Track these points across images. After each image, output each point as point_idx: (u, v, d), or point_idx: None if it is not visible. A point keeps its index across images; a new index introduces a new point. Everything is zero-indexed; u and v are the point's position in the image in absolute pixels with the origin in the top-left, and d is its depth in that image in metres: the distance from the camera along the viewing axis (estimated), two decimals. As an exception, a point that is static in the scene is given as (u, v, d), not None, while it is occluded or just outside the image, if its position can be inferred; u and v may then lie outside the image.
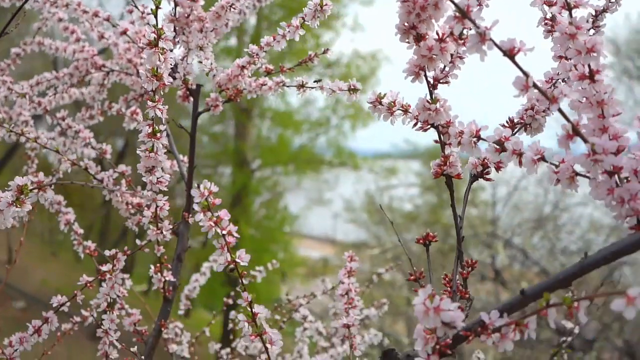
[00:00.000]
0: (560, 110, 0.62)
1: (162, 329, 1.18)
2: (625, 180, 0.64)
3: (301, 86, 1.13)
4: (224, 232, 0.76)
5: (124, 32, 1.25)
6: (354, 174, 11.05)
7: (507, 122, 0.83)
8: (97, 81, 1.41)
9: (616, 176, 0.63)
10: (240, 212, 10.42)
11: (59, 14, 1.35)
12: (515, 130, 0.83)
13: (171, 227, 1.08)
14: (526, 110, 0.82)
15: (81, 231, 1.27)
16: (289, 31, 1.07)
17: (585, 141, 0.62)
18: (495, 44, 0.61)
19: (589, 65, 0.65)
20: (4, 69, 1.47)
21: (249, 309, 0.79)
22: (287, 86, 1.15)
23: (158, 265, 1.13)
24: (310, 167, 11.16)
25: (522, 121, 0.83)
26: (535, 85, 0.61)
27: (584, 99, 0.66)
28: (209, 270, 1.76)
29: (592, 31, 0.86)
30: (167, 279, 1.14)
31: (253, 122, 10.98)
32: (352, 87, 1.06)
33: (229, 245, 0.77)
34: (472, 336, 0.64)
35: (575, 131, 0.62)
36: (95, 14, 1.29)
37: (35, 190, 0.81)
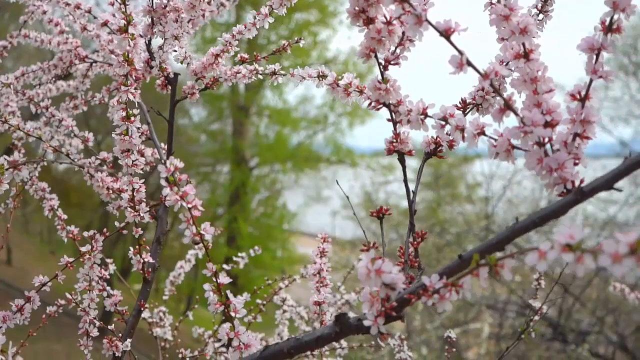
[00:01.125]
0: (492, 86, 0.66)
1: (142, 309, 1.22)
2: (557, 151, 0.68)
3: (273, 73, 1.18)
4: (190, 205, 0.81)
5: (105, 24, 1.29)
6: (352, 171, 11.10)
7: (459, 102, 0.88)
8: (81, 72, 1.46)
9: (549, 147, 0.68)
10: (238, 210, 10.47)
11: (43, 6, 1.39)
12: (468, 110, 0.87)
13: (148, 209, 1.13)
14: (477, 90, 0.86)
15: (65, 217, 1.32)
16: (258, 19, 1.12)
17: (517, 114, 0.66)
18: (432, 25, 0.65)
19: (523, 45, 0.69)
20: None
21: (214, 280, 0.84)
22: (260, 74, 1.20)
23: (137, 247, 1.18)
24: (308, 165, 11.21)
25: (473, 101, 0.87)
26: (469, 63, 0.65)
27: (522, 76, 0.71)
28: (194, 258, 1.80)
29: (540, 16, 0.90)
30: (146, 260, 1.19)
31: (251, 120, 11.03)
32: (320, 73, 1.10)
33: (194, 219, 0.82)
34: (415, 299, 0.68)
35: (507, 106, 0.66)
36: (77, 7, 1.33)
37: (11, 170, 0.86)
